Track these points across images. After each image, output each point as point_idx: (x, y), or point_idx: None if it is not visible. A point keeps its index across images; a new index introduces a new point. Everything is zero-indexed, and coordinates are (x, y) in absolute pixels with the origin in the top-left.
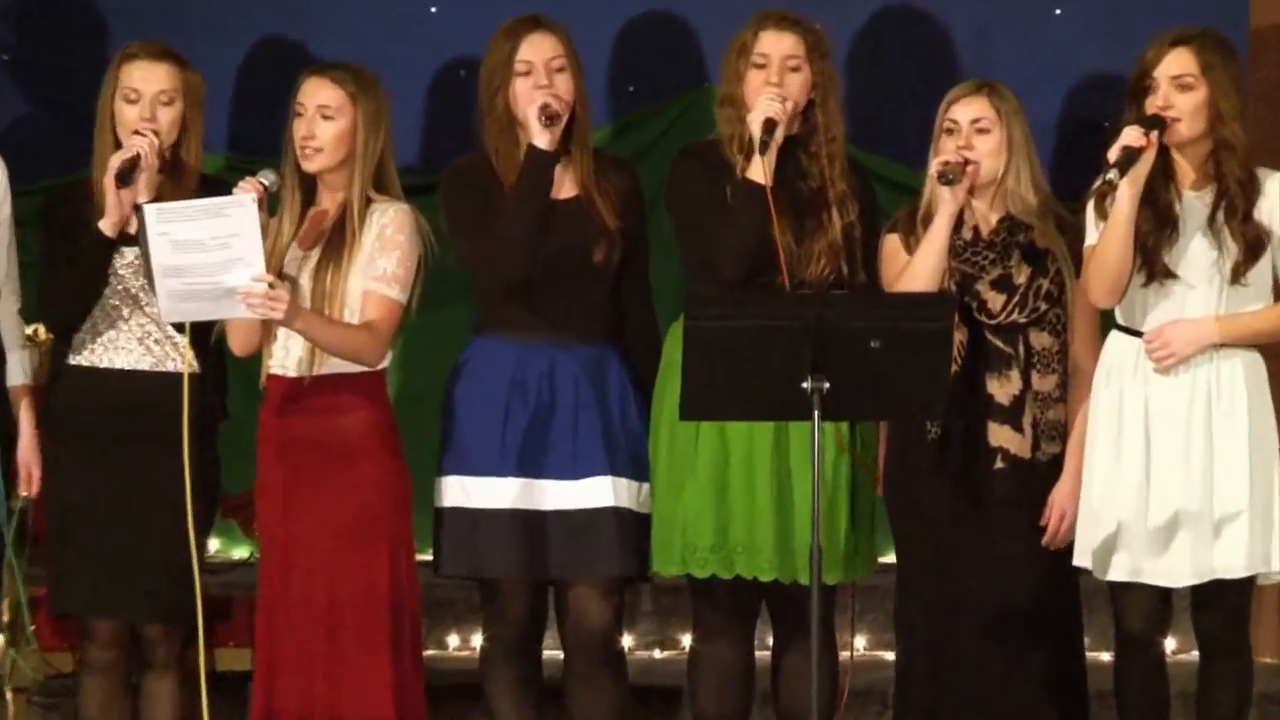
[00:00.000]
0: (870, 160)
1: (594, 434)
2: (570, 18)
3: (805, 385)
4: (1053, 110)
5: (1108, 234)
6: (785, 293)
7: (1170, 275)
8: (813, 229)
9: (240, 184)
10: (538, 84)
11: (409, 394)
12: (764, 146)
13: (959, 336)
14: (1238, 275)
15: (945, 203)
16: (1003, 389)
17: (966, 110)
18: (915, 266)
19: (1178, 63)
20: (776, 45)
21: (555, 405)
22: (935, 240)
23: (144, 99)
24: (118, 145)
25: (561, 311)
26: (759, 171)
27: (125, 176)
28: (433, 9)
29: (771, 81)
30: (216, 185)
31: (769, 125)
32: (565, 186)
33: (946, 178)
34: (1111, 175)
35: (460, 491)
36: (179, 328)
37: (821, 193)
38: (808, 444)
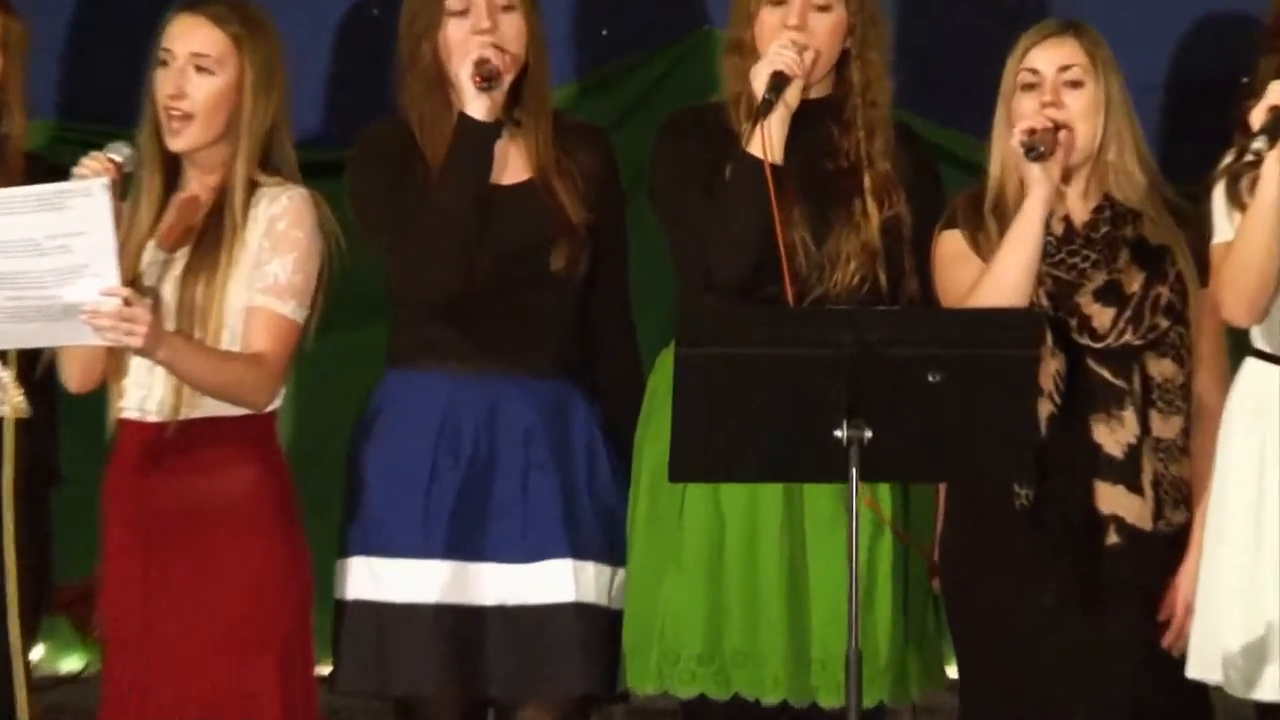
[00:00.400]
0: (931, 130)
1: (550, 502)
2: None
3: (839, 434)
4: (1157, 64)
5: (1251, 226)
6: (813, 310)
7: None
8: (841, 223)
9: (83, 162)
10: (477, 28)
11: (308, 446)
12: (766, 108)
13: (1053, 365)
14: None
15: (1038, 183)
16: (1114, 436)
17: (1051, 57)
18: (999, 270)
19: None
20: None
21: (497, 462)
22: (1026, 234)
23: None
24: None
25: (508, 335)
26: (763, 144)
27: None
28: None
29: (791, 24)
30: (49, 168)
31: (777, 81)
32: (514, 167)
33: (1036, 150)
34: (1258, 145)
35: (369, 578)
36: (0, 357)
37: (854, 174)
38: (830, 515)
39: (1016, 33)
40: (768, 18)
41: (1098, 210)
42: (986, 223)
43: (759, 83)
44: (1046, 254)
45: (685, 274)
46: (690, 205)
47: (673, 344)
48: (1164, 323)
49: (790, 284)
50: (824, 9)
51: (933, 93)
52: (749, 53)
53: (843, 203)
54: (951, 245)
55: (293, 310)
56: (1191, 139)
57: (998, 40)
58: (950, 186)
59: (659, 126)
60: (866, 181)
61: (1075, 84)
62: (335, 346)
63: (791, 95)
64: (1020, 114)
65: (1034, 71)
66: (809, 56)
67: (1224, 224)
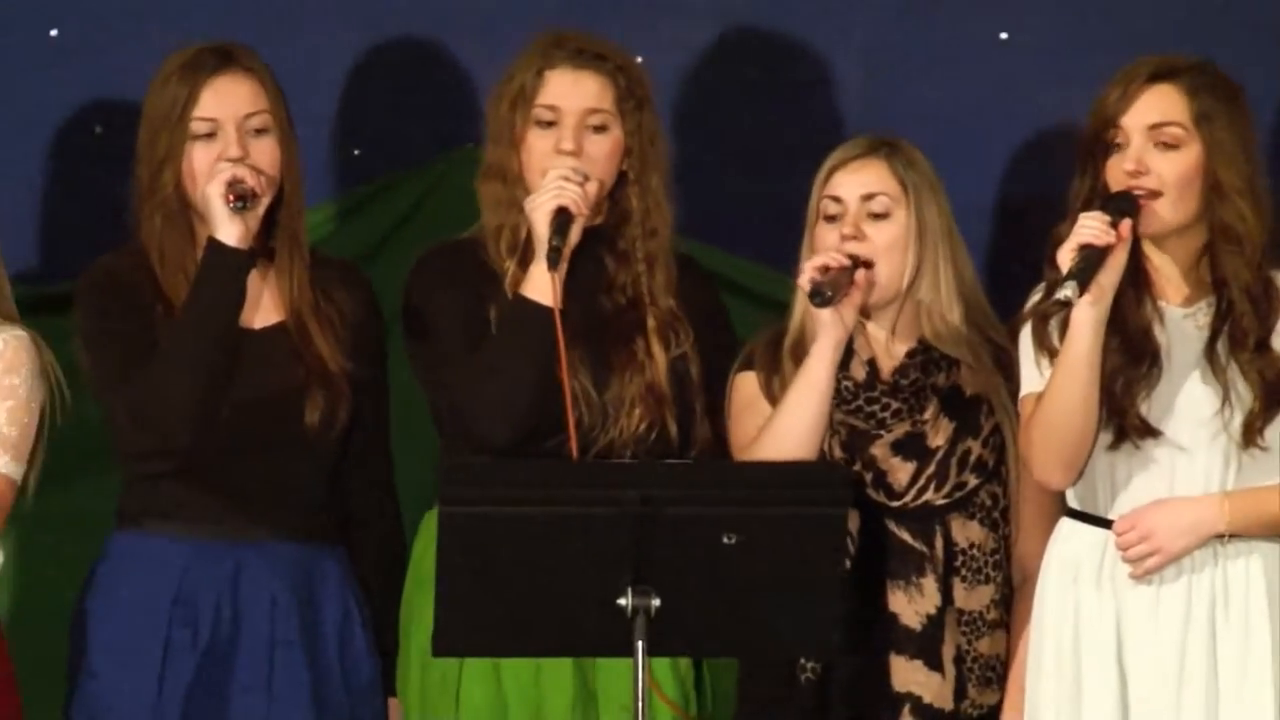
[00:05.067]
0: (719, 260)
1: (298, 685)
2: (273, 51)
3: (623, 602)
4: (989, 182)
5: (1061, 378)
6: (594, 464)
7: (1151, 433)
8: (624, 365)
9: None
10: (225, 155)
11: (26, 620)
12: (554, 255)
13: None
14: (1252, 433)
15: (826, 329)
16: (912, 606)
17: (855, 182)
18: (782, 421)
19: (1157, 107)
20: (573, 92)
21: (240, 638)
22: (813, 383)
23: None
24: None
25: (253, 495)
26: (542, 287)
27: None
28: (53, 31)
29: (565, 148)
30: None
31: (561, 218)
32: (265, 308)
33: (822, 295)
34: (1066, 293)
35: None
36: None
37: (636, 311)
38: (626, 690)
39: (822, 149)
40: (536, 141)
41: (910, 355)
42: (784, 365)
43: (540, 220)
44: (843, 400)
45: (447, 431)
46: (449, 358)
47: (437, 504)
48: (973, 481)
49: (560, 437)
50: (600, 129)
51: (719, 217)
52: (514, 181)
53: (624, 343)
54: (745, 389)
55: (6, 465)
56: (1030, 267)
57: (801, 157)
58: (745, 327)
59: (413, 264)
60: (650, 320)
61: (880, 215)
62: (58, 505)
63: (575, 233)
64: (821, 246)
65: (836, 199)
66: (592, 188)
67: (1032, 372)
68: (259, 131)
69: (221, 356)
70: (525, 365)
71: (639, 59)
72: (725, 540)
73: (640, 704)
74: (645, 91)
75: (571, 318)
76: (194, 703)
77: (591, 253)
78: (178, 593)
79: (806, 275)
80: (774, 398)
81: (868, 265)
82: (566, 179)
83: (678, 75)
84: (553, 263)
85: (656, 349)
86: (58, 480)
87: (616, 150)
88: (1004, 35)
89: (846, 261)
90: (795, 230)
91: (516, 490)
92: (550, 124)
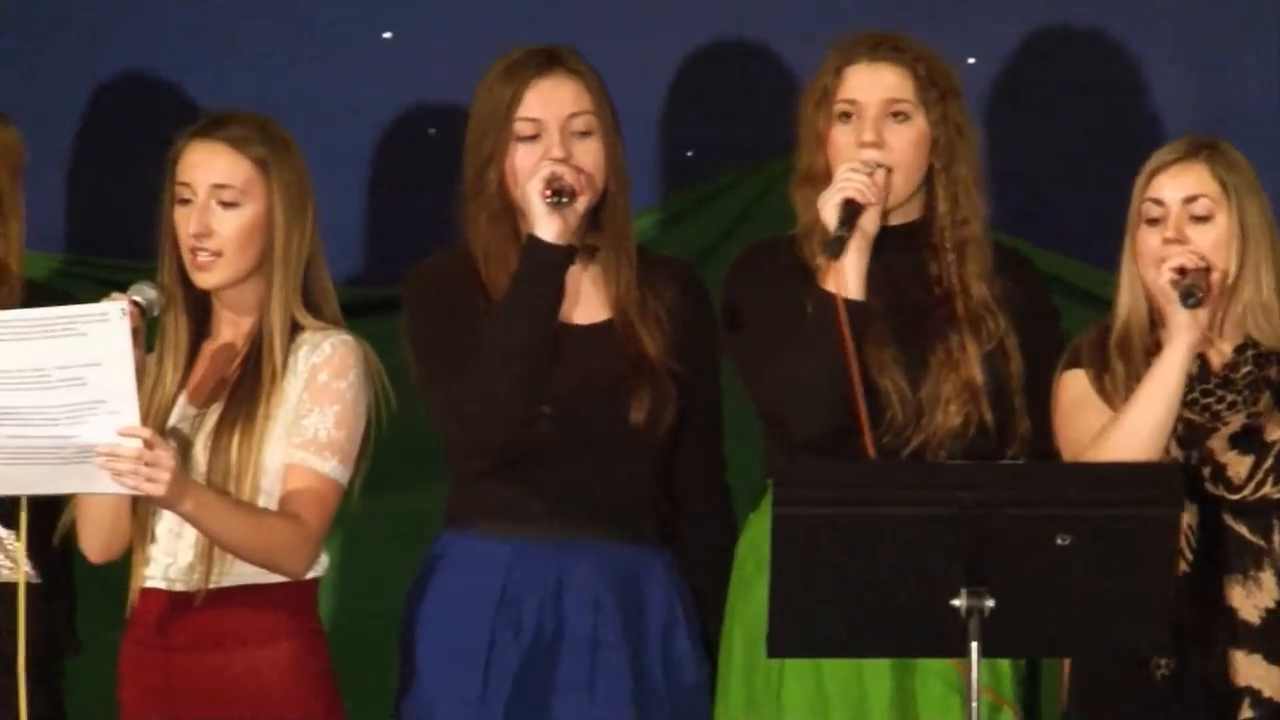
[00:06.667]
0: (1039, 256)
1: (620, 687)
2: (602, 51)
3: (957, 603)
4: None
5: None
6: (927, 465)
7: None
8: (939, 362)
9: (102, 304)
10: (548, 155)
11: (353, 619)
12: (835, 245)
13: (1185, 519)
14: None
15: (1184, 330)
16: (1250, 600)
17: (1176, 185)
18: (1130, 422)
19: None
20: (870, 84)
21: (563, 638)
22: (1166, 386)
23: None
24: None
25: (579, 493)
26: (840, 280)
27: None
28: (386, 34)
29: (865, 140)
30: (53, 299)
31: (849, 211)
32: (589, 305)
33: (1195, 296)
34: None
35: None
36: (6, 511)
37: (948, 304)
38: (943, 693)
39: (1145, 147)
40: (839, 137)
41: (1239, 350)
42: (1112, 362)
43: (828, 214)
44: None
45: (769, 429)
46: (764, 353)
47: (764, 506)
48: None
49: (870, 434)
50: (901, 118)
51: (1048, 219)
52: (821, 180)
53: (938, 338)
54: (1075, 388)
55: (333, 469)
56: None
57: (1116, 154)
58: (1070, 323)
59: (733, 262)
60: (960, 308)
61: (1203, 218)
62: (385, 508)
63: (868, 222)
64: (1144, 249)
65: (1158, 202)
66: (881, 175)
67: None
68: (583, 133)
69: (538, 351)
70: (821, 358)
71: (970, 60)
72: (1058, 541)
73: (974, 703)
74: (950, 83)
75: (884, 315)
76: (517, 702)
77: (906, 249)
78: (502, 593)
79: (1167, 275)
80: (1106, 395)
81: (1214, 269)
82: (854, 170)
83: (994, 74)
84: (834, 252)
85: (969, 341)
86: (387, 483)
87: (921, 140)
88: None
89: (1201, 263)
90: (1116, 229)
91: (849, 491)
92: (849, 116)
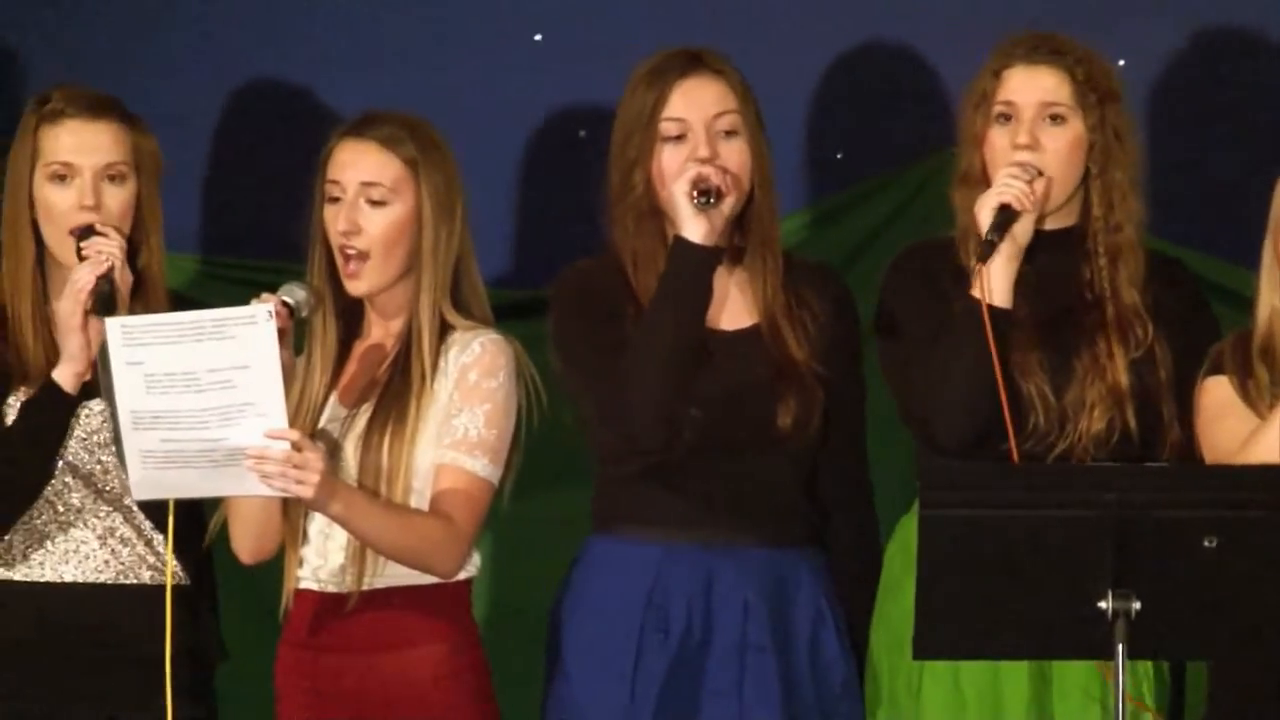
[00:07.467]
0: (1191, 258)
1: (769, 689)
2: (748, 52)
3: (1103, 605)
4: None
5: None
6: (1072, 467)
7: None
8: (1085, 368)
9: (251, 306)
10: (694, 156)
11: (504, 618)
12: (987, 249)
13: None
14: None
15: None
16: None
17: None
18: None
19: None
20: (1028, 86)
21: (711, 643)
22: None
23: (82, 176)
24: (38, 245)
25: (726, 496)
26: (988, 286)
27: (106, 303)
28: (537, 36)
29: (1020, 142)
30: (196, 308)
31: (1004, 216)
32: (735, 310)
33: None
34: None
35: None
36: (154, 513)
37: (1097, 309)
38: (1081, 697)
39: None
40: (996, 138)
41: None
42: (1255, 368)
43: (984, 217)
44: None
45: (916, 433)
46: (914, 358)
47: (914, 509)
48: None
49: (1015, 441)
50: (1059, 120)
51: (1207, 224)
52: (977, 182)
53: (1085, 344)
54: (1219, 393)
55: (484, 468)
56: None
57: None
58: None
59: (888, 264)
60: (1109, 314)
61: None
62: (535, 509)
63: (1021, 230)
64: None
65: None
66: (1041, 185)
67: None
68: (728, 133)
69: (688, 352)
70: (965, 364)
71: (1120, 62)
72: (1205, 544)
73: (1120, 706)
74: (1109, 86)
75: (1031, 320)
76: (665, 706)
77: (1058, 254)
78: (650, 596)
79: None
80: (1250, 401)
81: None
82: (1014, 176)
83: (1147, 76)
84: (983, 257)
85: (1117, 348)
86: (537, 484)
87: (1077, 144)
88: None
89: None
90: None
91: (996, 493)
92: (1008, 118)
